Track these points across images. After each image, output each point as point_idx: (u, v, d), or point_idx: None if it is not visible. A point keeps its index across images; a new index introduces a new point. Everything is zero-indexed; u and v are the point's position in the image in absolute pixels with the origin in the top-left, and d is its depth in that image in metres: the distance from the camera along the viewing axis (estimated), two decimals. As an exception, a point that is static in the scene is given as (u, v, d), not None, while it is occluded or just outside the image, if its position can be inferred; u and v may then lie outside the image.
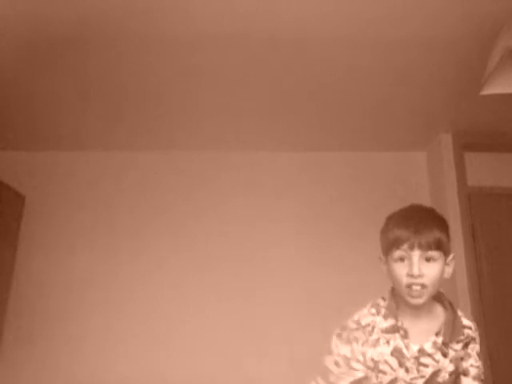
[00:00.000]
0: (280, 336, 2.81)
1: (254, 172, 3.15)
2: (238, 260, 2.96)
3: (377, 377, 1.25)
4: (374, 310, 1.33)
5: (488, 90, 1.82)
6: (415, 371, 1.24)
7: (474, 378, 1.25)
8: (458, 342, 1.26)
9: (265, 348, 2.80)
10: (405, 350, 1.25)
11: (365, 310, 1.34)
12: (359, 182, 3.11)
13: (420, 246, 1.20)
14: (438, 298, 1.32)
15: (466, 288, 2.65)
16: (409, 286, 1.21)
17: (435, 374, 1.24)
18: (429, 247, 1.20)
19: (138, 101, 2.60)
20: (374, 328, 1.29)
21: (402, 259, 1.23)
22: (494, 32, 1.98)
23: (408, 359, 1.24)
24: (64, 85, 2.46)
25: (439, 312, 1.30)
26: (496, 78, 1.77)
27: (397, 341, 1.26)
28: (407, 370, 1.24)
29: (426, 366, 1.24)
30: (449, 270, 1.27)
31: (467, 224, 2.78)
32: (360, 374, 1.26)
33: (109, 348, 2.81)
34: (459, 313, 1.31)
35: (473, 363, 1.26)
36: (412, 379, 1.24)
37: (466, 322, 1.30)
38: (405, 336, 1.26)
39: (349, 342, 1.30)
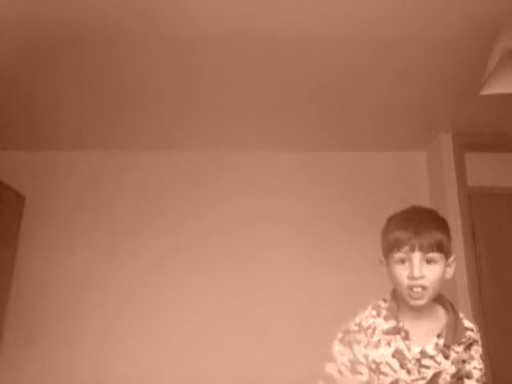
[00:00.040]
0: (280, 336, 2.81)
1: (254, 172, 3.15)
2: (238, 260, 2.96)
3: (378, 379, 1.25)
4: (374, 312, 1.33)
5: (488, 90, 1.82)
6: (416, 373, 1.23)
7: (478, 381, 1.25)
8: (459, 344, 1.25)
9: (265, 348, 2.80)
10: (406, 352, 1.24)
11: (366, 312, 1.34)
12: (359, 182, 3.11)
13: (421, 248, 1.20)
14: (439, 299, 1.31)
15: (466, 288, 2.65)
16: (410, 288, 1.21)
17: (436, 375, 1.23)
18: (430, 249, 1.20)
19: (138, 101, 2.61)
20: (374, 330, 1.29)
21: (402, 261, 1.23)
22: (494, 32, 1.98)
23: (409, 361, 1.24)
24: (64, 85, 2.46)
25: (440, 314, 1.30)
26: (496, 78, 1.77)
27: (398, 342, 1.26)
28: (408, 372, 1.23)
29: (427, 367, 1.23)
30: (450, 272, 1.27)
31: (467, 224, 2.78)
32: (364, 378, 1.26)
33: (109, 348, 2.81)
34: (461, 315, 1.31)
35: (476, 365, 1.25)
36: (413, 381, 1.23)
37: (467, 324, 1.29)
38: (406, 337, 1.25)
39: (351, 345, 1.30)
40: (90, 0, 1.86)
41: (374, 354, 1.26)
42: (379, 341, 1.27)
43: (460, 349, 1.25)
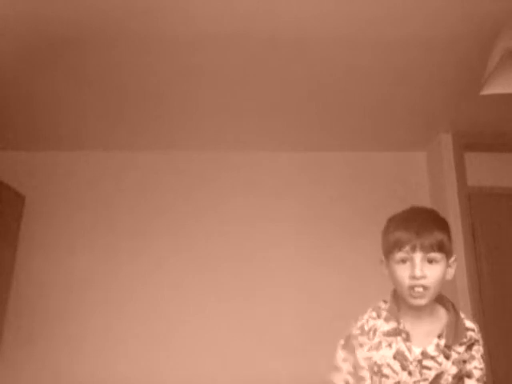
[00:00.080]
0: (280, 336, 2.81)
1: (254, 172, 3.15)
2: (238, 260, 2.96)
3: (380, 381, 1.25)
4: (374, 314, 1.33)
5: (488, 90, 1.82)
6: (418, 374, 1.23)
7: (478, 381, 1.24)
8: (460, 344, 1.25)
9: (265, 348, 2.80)
10: (407, 353, 1.24)
11: (365, 316, 1.34)
12: (359, 182, 3.11)
13: (422, 248, 1.20)
14: (439, 299, 1.31)
15: (466, 288, 2.65)
16: (411, 288, 1.21)
17: (438, 376, 1.23)
18: (431, 249, 1.20)
19: (138, 101, 2.60)
20: (375, 331, 1.29)
21: (403, 261, 1.23)
22: (494, 32, 1.98)
23: (411, 362, 1.23)
24: (64, 85, 2.46)
25: (441, 314, 1.30)
26: (496, 78, 1.77)
27: (399, 344, 1.25)
28: (410, 373, 1.23)
29: (428, 368, 1.23)
30: (451, 272, 1.27)
31: (467, 224, 2.78)
32: (367, 383, 1.26)
33: (109, 348, 2.81)
34: (462, 315, 1.30)
35: (477, 365, 1.25)
36: (415, 382, 1.23)
37: (468, 324, 1.29)
38: (407, 339, 1.25)
39: (354, 349, 1.30)
40: (90, 0, 1.86)
41: (376, 356, 1.26)
42: (380, 342, 1.27)
43: (461, 349, 1.25)
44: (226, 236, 3.01)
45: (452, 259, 1.26)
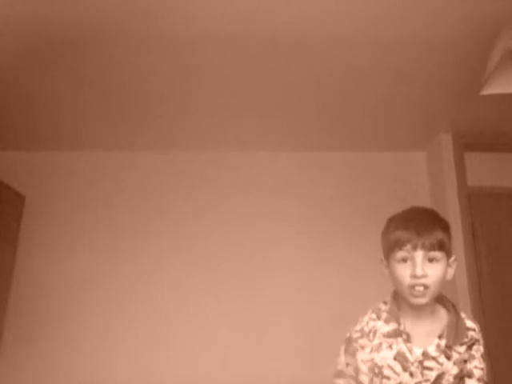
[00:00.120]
0: (280, 336, 2.81)
1: (254, 172, 3.15)
2: (237, 260, 2.96)
3: (381, 383, 1.24)
4: (374, 315, 1.33)
5: (488, 90, 1.82)
6: (419, 375, 1.23)
7: (479, 380, 1.24)
8: (461, 344, 1.25)
9: (265, 348, 2.80)
10: (408, 354, 1.24)
11: (365, 318, 1.34)
12: (359, 182, 3.11)
13: (423, 247, 1.20)
14: (440, 300, 1.31)
15: (466, 288, 2.65)
16: (412, 287, 1.21)
17: (439, 377, 1.22)
18: (432, 247, 1.20)
19: (138, 101, 2.60)
20: (375, 333, 1.29)
21: (404, 260, 1.23)
22: (494, 32, 1.98)
23: (412, 363, 1.23)
24: (64, 85, 2.46)
25: (442, 314, 1.30)
26: (496, 78, 1.77)
27: (399, 345, 1.25)
28: (411, 374, 1.23)
29: (430, 369, 1.23)
30: (451, 272, 1.27)
31: (467, 224, 2.78)
32: None
33: (109, 348, 2.81)
34: (462, 315, 1.30)
35: (477, 365, 1.25)
36: (416, 383, 1.23)
37: (469, 323, 1.29)
38: (407, 340, 1.25)
39: (355, 352, 1.30)
40: (90, 0, 1.86)
41: (376, 358, 1.26)
42: (380, 344, 1.27)
43: (462, 349, 1.25)
44: (226, 236, 3.01)
45: (452, 259, 1.27)
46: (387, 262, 1.29)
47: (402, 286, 1.23)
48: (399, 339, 1.26)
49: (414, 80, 2.41)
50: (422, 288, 1.20)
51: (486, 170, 2.94)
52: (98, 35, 2.07)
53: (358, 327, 1.33)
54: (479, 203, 2.86)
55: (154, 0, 1.87)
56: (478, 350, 1.27)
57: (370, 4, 1.89)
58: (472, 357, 1.25)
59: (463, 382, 1.25)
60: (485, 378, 1.27)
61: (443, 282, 1.24)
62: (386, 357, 1.25)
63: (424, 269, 1.20)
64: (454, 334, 1.25)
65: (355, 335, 1.32)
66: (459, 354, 1.24)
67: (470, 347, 1.26)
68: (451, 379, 1.23)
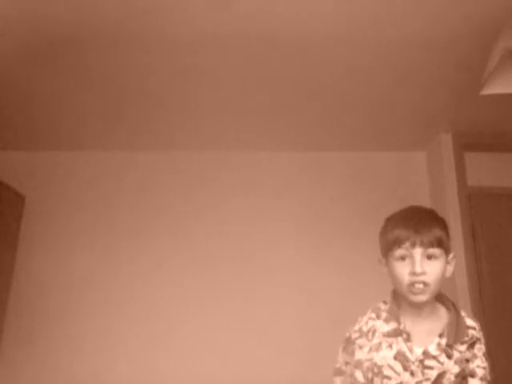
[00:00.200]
0: (280, 335, 2.81)
1: (254, 172, 3.15)
2: (237, 260, 2.96)
3: (381, 383, 1.24)
4: (373, 315, 1.32)
5: (488, 90, 1.81)
6: (420, 374, 1.22)
7: (482, 380, 1.24)
8: (462, 343, 1.25)
9: (265, 348, 2.80)
10: (408, 354, 1.24)
11: (364, 317, 1.34)
12: (359, 182, 3.11)
13: (422, 244, 1.21)
14: (440, 298, 1.31)
15: (466, 288, 2.65)
16: (411, 285, 1.21)
17: (440, 376, 1.22)
18: (430, 244, 1.21)
19: (138, 101, 2.61)
20: (374, 332, 1.29)
21: (403, 258, 1.23)
22: (494, 32, 1.99)
23: (412, 362, 1.23)
24: (64, 85, 2.46)
25: (442, 313, 1.30)
26: (496, 78, 1.77)
27: (400, 344, 1.25)
28: (412, 374, 1.22)
29: (430, 368, 1.23)
30: (450, 269, 1.27)
31: (467, 224, 2.78)
32: None
33: (109, 348, 2.81)
34: (462, 313, 1.30)
35: (479, 364, 1.25)
36: (417, 383, 1.22)
37: (469, 322, 1.29)
38: (407, 339, 1.25)
39: (354, 352, 1.30)
40: (90, 0, 1.86)
41: (376, 357, 1.26)
42: (380, 343, 1.27)
43: (463, 348, 1.25)
44: (226, 236, 3.01)
45: (450, 256, 1.27)
46: (386, 261, 1.29)
47: (402, 285, 1.23)
48: (399, 338, 1.26)
49: (414, 80, 2.41)
50: (421, 285, 1.20)
51: (486, 170, 2.94)
52: (98, 35, 2.07)
53: (356, 327, 1.33)
54: (479, 203, 2.86)
55: (154, 0, 1.87)
56: (480, 348, 1.27)
57: (369, 4, 1.89)
58: (474, 356, 1.25)
59: (466, 381, 1.24)
60: (488, 377, 1.26)
61: (443, 280, 1.24)
62: (385, 356, 1.25)
63: (423, 266, 1.20)
64: (455, 333, 1.24)
65: (354, 335, 1.32)
66: (460, 352, 1.24)
67: (471, 346, 1.26)
68: (452, 378, 1.23)
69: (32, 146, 3.12)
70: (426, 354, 1.23)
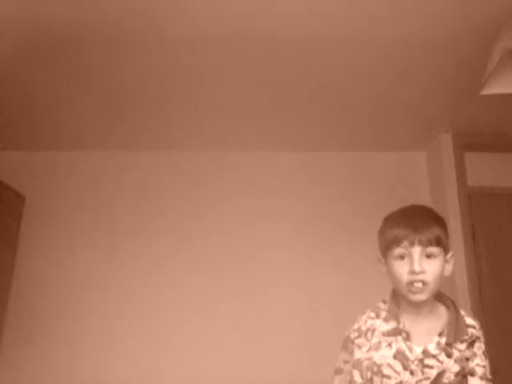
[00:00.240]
0: (280, 336, 2.81)
1: (254, 172, 3.15)
2: (237, 260, 2.96)
3: (381, 382, 1.24)
4: (373, 314, 1.32)
5: (488, 90, 1.81)
6: (420, 373, 1.22)
7: (481, 378, 1.24)
8: (462, 341, 1.25)
9: (265, 348, 2.80)
10: (408, 353, 1.24)
11: (364, 317, 1.34)
12: (359, 182, 3.11)
13: (420, 243, 1.20)
14: (439, 297, 1.31)
15: (466, 288, 2.65)
16: (410, 283, 1.20)
17: (440, 375, 1.22)
18: (429, 243, 1.21)
19: (138, 101, 2.61)
20: (374, 331, 1.29)
21: (401, 257, 1.23)
22: (494, 32, 1.99)
23: (412, 362, 1.23)
24: (64, 85, 2.46)
25: (442, 312, 1.30)
26: (496, 78, 1.77)
27: (399, 343, 1.25)
28: (412, 373, 1.22)
29: (430, 367, 1.22)
30: (449, 268, 1.27)
31: (467, 224, 2.78)
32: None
33: (109, 348, 2.81)
34: (462, 312, 1.30)
35: (479, 362, 1.25)
36: (417, 382, 1.22)
37: (469, 321, 1.29)
38: (407, 338, 1.25)
39: (353, 351, 1.30)
40: (90, 0, 1.86)
41: (375, 356, 1.26)
42: (379, 342, 1.27)
43: (463, 346, 1.25)
44: (226, 236, 3.01)
45: (449, 255, 1.27)
46: (385, 260, 1.29)
47: (400, 284, 1.23)
48: (399, 338, 1.25)
49: (414, 80, 2.41)
50: (420, 284, 1.20)
51: (486, 170, 2.94)
52: (98, 35, 2.07)
53: (355, 326, 1.33)
54: (479, 203, 2.86)
55: (154, 0, 1.87)
56: (480, 347, 1.27)
57: (369, 4, 1.89)
58: (474, 355, 1.25)
59: (466, 380, 1.24)
60: (488, 375, 1.26)
61: (442, 279, 1.24)
62: (385, 355, 1.25)
63: (422, 265, 1.20)
64: (454, 332, 1.24)
65: (353, 335, 1.32)
66: (460, 351, 1.24)
67: (471, 345, 1.26)
68: (452, 377, 1.23)
69: (32, 145, 3.12)
70: (425, 352, 1.23)
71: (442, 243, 1.23)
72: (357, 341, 1.30)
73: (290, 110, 2.70)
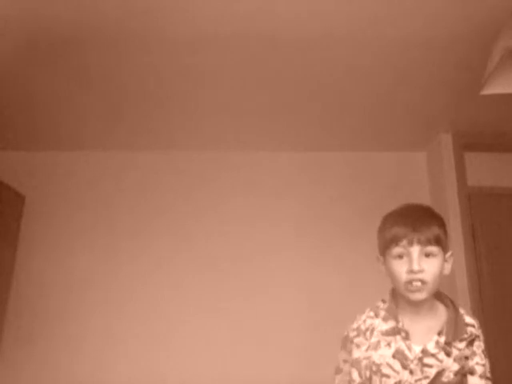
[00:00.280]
0: (280, 336, 2.81)
1: (254, 172, 3.15)
2: (237, 260, 2.96)
3: (380, 381, 1.24)
4: (372, 313, 1.32)
5: (488, 90, 1.81)
6: (419, 372, 1.22)
7: (481, 377, 1.24)
8: (461, 340, 1.24)
9: (265, 348, 2.80)
10: (407, 352, 1.24)
11: (363, 316, 1.34)
12: (359, 182, 3.11)
13: (419, 242, 1.20)
14: (438, 296, 1.31)
15: (466, 288, 2.65)
16: (409, 282, 1.20)
17: (440, 373, 1.22)
18: (428, 242, 1.21)
19: (138, 101, 2.61)
20: (373, 331, 1.29)
21: (400, 256, 1.23)
22: (494, 32, 1.99)
23: (411, 361, 1.23)
24: (64, 85, 2.46)
25: (441, 311, 1.30)
26: (496, 78, 1.77)
27: (398, 343, 1.25)
28: (411, 372, 1.22)
29: (429, 366, 1.22)
30: (448, 267, 1.27)
31: (467, 224, 2.78)
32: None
33: (109, 348, 2.81)
34: (461, 311, 1.30)
35: (478, 361, 1.25)
36: (416, 381, 1.22)
37: (468, 319, 1.29)
38: (406, 337, 1.25)
39: (351, 351, 1.30)
40: (90, 0, 1.86)
41: (374, 356, 1.26)
42: (378, 342, 1.27)
43: (462, 345, 1.24)
44: (226, 236, 3.01)
45: (448, 254, 1.27)
46: (384, 259, 1.29)
47: (399, 283, 1.23)
48: (398, 337, 1.25)
49: (414, 80, 2.41)
50: (419, 283, 1.20)
51: (486, 170, 2.94)
52: (98, 35, 2.08)
53: (354, 325, 1.33)
54: (479, 203, 2.86)
55: (154, 0, 1.87)
56: (479, 346, 1.27)
57: (369, 4, 1.89)
58: (473, 353, 1.25)
59: (465, 379, 1.24)
60: (487, 374, 1.26)
61: (441, 278, 1.24)
62: (384, 355, 1.25)
63: (421, 264, 1.20)
64: (454, 331, 1.24)
65: (352, 334, 1.32)
66: (459, 350, 1.24)
67: (470, 343, 1.26)
68: (451, 376, 1.23)
69: (32, 145, 3.12)
70: (424, 352, 1.23)
71: (441, 242, 1.23)
72: (356, 340, 1.30)
73: (290, 110, 2.70)
